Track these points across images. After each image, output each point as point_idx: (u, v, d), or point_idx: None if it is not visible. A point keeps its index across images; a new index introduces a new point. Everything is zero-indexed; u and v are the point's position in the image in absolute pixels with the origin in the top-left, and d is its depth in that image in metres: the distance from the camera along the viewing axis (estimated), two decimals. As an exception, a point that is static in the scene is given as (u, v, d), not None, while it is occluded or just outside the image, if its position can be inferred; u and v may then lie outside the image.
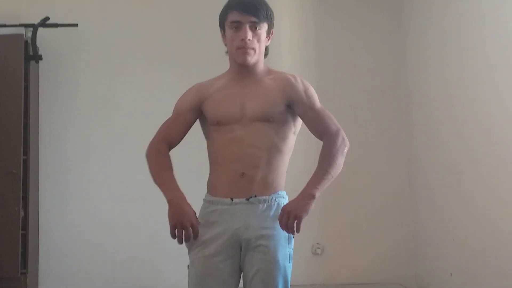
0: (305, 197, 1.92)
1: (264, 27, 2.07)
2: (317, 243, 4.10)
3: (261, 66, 2.14)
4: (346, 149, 2.04)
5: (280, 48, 4.24)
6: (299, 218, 1.88)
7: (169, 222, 1.95)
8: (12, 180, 3.53)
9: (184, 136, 2.17)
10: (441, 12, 3.75)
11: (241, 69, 2.12)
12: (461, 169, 3.47)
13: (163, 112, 3.98)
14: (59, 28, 3.87)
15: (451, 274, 3.59)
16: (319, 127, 2.07)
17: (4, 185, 3.55)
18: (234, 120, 2.06)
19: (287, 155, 2.11)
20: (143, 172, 4.07)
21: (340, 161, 2.01)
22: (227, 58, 2.18)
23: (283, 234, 2.00)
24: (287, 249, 2.02)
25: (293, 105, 2.08)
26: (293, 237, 2.04)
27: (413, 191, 4.19)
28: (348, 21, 4.36)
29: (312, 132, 2.10)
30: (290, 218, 1.89)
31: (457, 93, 3.53)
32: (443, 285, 3.71)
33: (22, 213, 3.58)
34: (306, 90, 2.09)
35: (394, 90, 4.31)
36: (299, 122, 2.13)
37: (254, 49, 2.05)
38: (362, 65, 4.32)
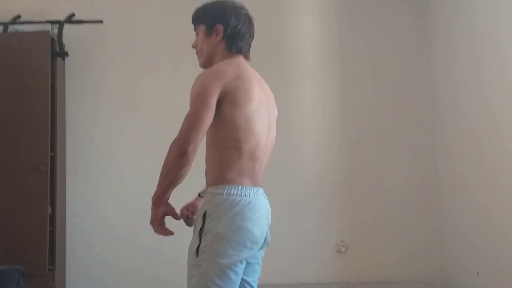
0: (152, 205, 2.10)
1: (200, 29, 2.24)
2: (341, 241, 4.06)
3: (212, 65, 2.18)
4: (172, 158, 1.98)
5: (303, 42, 4.21)
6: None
7: None
8: (39, 176, 3.57)
9: None
10: (468, 2, 3.68)
11: None
12: (492, 163, 3.38)
13: (188, 106, 3.98)
14: (85, 25, 3.91)
15: (478, 273, 3.53)
16: None
17: (31, 182, 3.59)
18: None
19: (215, 148, 2.07)
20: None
21: (168, 170, 1.99)
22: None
23: (197, 226, 2.07)
24: (196, 242, 2.04)
25: None
26: (200, 231, 2.04)
27: (438, 187, 4.13)
28: (371, 13, 4.31)
29: None
30: None
31: (486, 83, 3.44)
32: (469, 283, 3.65)
33: (49, 210, 3.62)
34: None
35: (418, 84, 4.25)
36: (220, 110, 2.07)
37: (198, 52, 2.26)
38: (386, 57, 4.27)
